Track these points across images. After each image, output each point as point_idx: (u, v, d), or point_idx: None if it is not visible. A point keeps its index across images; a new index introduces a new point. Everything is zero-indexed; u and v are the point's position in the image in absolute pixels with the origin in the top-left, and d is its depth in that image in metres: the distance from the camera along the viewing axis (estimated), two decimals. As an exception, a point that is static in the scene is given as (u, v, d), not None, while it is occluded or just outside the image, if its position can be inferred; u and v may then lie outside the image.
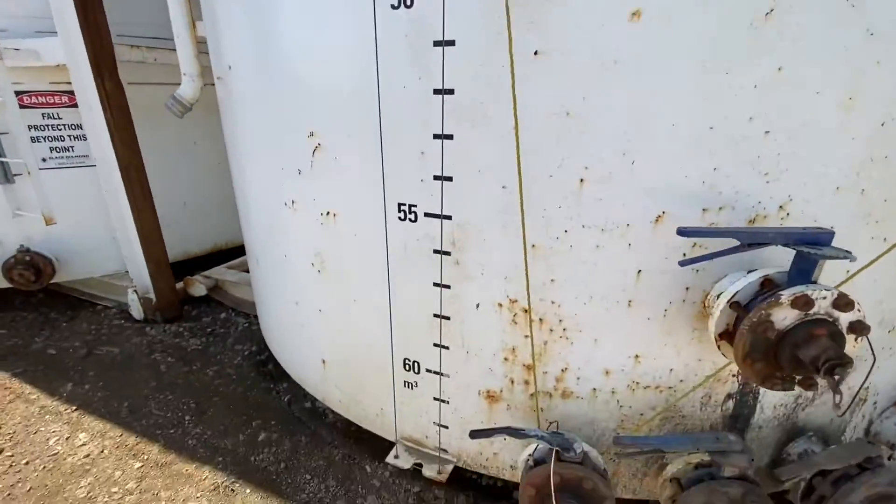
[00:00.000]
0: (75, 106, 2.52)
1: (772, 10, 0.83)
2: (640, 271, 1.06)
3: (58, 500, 1.54)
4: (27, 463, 1.70)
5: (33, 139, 2.49)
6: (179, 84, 1.99)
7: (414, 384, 1.42)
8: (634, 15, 0.86)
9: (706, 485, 1.10)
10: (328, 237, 1.39)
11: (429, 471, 1.43)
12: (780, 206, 0.98)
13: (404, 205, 1.19)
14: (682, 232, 0.90)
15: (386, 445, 1.73)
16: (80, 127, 2.58)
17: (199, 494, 1.57)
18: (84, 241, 2.73)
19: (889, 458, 1.34)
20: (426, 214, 1.17)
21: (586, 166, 0.99)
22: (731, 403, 1.22)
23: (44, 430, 1.86)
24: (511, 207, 1.06)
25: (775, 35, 0.85)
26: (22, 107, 2.40)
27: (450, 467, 1.43)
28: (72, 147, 2.61)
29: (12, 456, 1.73)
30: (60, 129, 2.57)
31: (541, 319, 1.17)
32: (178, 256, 3.03)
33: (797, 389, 0.95)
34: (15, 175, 2.49)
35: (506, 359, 1.25)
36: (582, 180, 1.00)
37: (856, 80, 0.88)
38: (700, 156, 0.94)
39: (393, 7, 1.01)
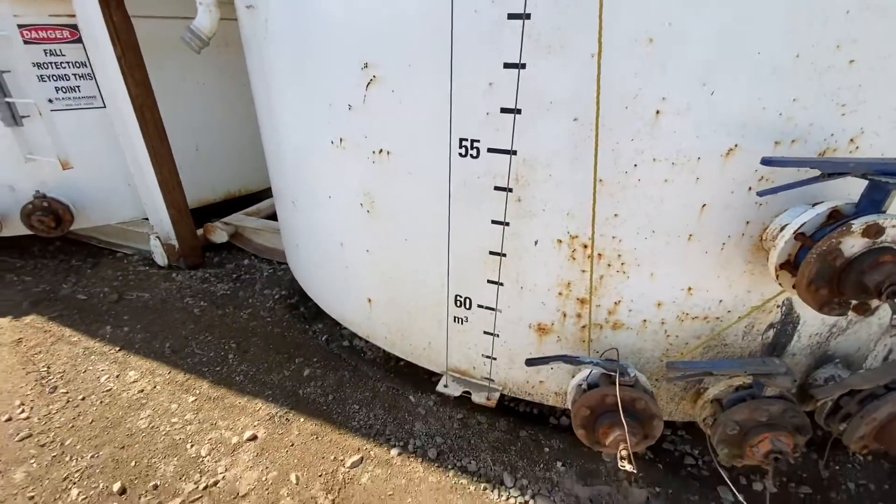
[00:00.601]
0: (78, 41, 2.38)
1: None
2: (704, 206, 1.09)
3: (121, 430, 1.63)
4: (83, 398, 1.77)
5: (38, 78, 2.37)
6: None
7: (464, 319, 1.47)
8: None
9: (749, 403, 1.19)
10: (379, 176, 1.38)
11: (478, 398, 1.52)
12: (851, 139, 1.00)
13: (466, 140, 1.18)
14: (766, 161, 0.91)
15: (426, 378, 1.82)
16: (84, 65, 2.44)
17: (256, 423, 1.66)
18: (99, 187, 2.67)
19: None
20: (489, 150, 1.16)
21: (664, 97, 0.98)
22: (771, 332, 1.29)
23: (92, 369, 1.92)
24: (582, 142, 1.06)
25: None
26: (24, 42, 2.27)
27: (497, 395, 1.52)
28: (77, 87, 2.48)
29: (67, 392, 1.80)
30: (65, 68, 2.43)
31: (599, 254, 1.20)
32: (192, 204, 2.98)
33: (851, 315, 1.01)
34: (23, 117, 2.39)
35: (560, 293, 1.30)
36: (658, 112, 0.99)
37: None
38: (782, 86, 0.93)
39: (466, -78, 0.95)
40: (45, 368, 1.90)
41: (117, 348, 2.03)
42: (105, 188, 2.69)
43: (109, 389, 1.81)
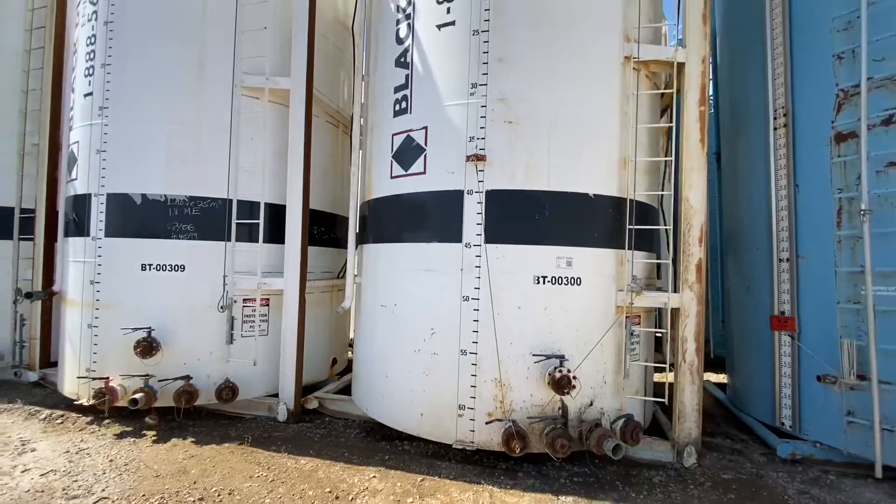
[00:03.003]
0: (266, 305, 5.05)
1: None
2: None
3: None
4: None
5: (245, 321, 4.92)
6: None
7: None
8: None
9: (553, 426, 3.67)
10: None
11: (458, 445, 3.80)
12: (563, 348, 3.86)
13: (463, 349, 3.91)
14: None
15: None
16: (265, 317, 5.05)
17: (369, 477, 3.73)
18: (253, 376, 4.92)
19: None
20: (470, 352, 3.89)
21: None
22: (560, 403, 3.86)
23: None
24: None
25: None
26: (244, 305, 4.91)
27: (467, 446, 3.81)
28: (261, 327, 5.03)
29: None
30: (254, 318, 5.02)
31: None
32: (290, 387, 5.23)
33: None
34: (234, 340, 4.82)
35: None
36: (514, 342, 3.83)
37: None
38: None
39: None
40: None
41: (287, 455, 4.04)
42: (255, 377, 4.95)
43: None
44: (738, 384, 5.12)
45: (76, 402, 4.67)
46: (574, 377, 3.59)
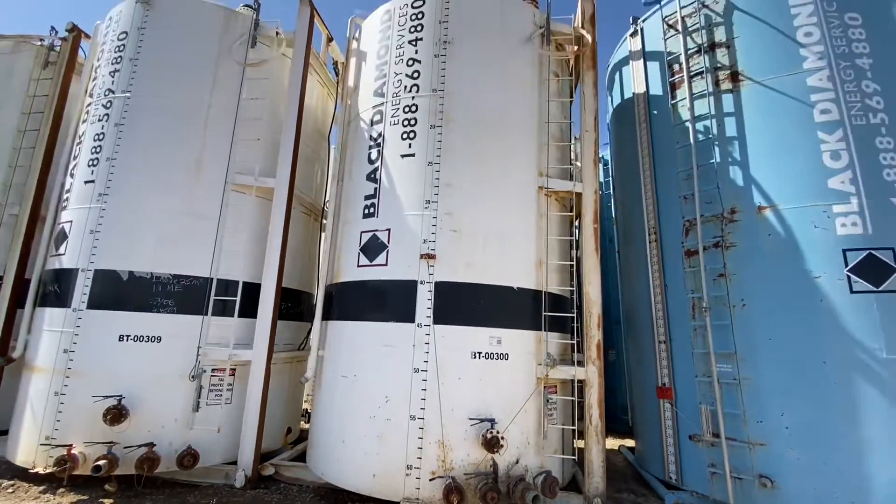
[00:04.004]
0: (233, 375, 5.54)
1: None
2: (468, 429, 4.62)
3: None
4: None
5: (211, 389, 5.36)
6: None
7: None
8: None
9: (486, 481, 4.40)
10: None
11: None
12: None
13: (412, 414, 4.65)
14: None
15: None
16: (231, 386, 5.51)
17: (327, 531, 4.19)
18: (215, 443, 5.26)
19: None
20: (418, 417, 4.64)
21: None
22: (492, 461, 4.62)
23: (240, 524, 4.26)
24: (439, 414, 4.62)
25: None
26: (212, 375, 5.39)
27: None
28: (226, 396, 5.46)
29: (235, 531, 4.13)
30: (222, 387, 5.47)
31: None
32: (246, 455, 5.56)
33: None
34: (200, 407, 5.21)
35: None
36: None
37: (502, 388, 4.79)
38: (476, 402, 4.68)
39: None
40: (218, 524, 4.21)
41: (246, 516, 4.40)
42: (216, 444, 5.29)
43: (255, 528, 4.20)
44: (641, 446, 6.13)
45: (31, 471, 4.76)
46: (502, 437, 4.43)
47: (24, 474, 4.89)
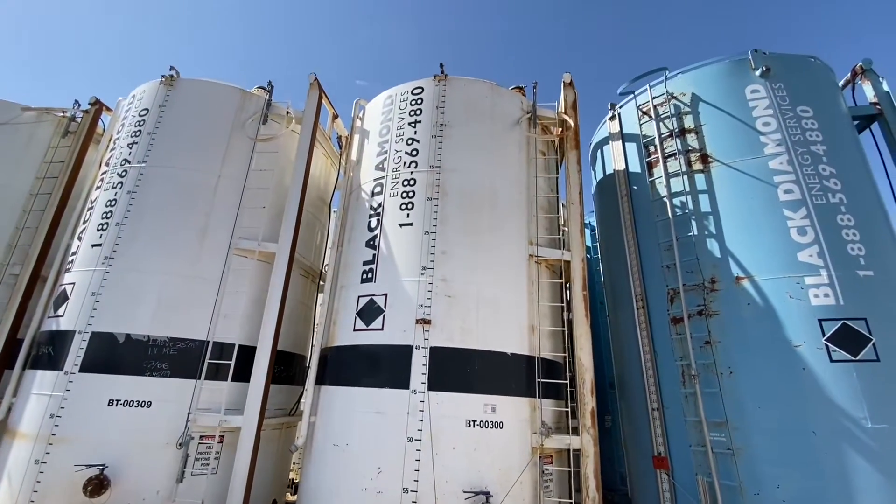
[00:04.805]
0: (221, 442, 5.40)
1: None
2: (462, 503, 4.50)
3: None
4: None
5: (198, 458, 5.19)
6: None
7: (400, 554, 4.33)
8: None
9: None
10: (376, 499, 4.56)
11: (405, 590, 4.15)
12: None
13: (404, 486, 4.54)
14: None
15: None
16: (219, 454, 5.35)
17: None
18: (196, 519, 5.01)
19: None
20: (411, 489, 4.52)
21: (449, 475, 4.55)
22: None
23: None
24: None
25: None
26: (200, 442, 5.25)
27: (411, 589, 4.18)
28: (212, 465, 5.29)
29: None
30: (210, 457, 5.31)
31: None
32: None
33: None
34: (186, 476, 5.02)
35: None
36: (448, 479, 4.55)
37: (496, 457, 4.73)
38: (471, 473, 4.59)
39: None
40: None
41: None
42: (197, 519, 5.03)
43: None
44: (640, 520, 5.91)
45: (-2, 550, 4.49)
46: (497, 511, 4.32)
47: (-11, 553, 4.58)
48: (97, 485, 4.59)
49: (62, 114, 8.01)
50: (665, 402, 5.44)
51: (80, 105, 8.04)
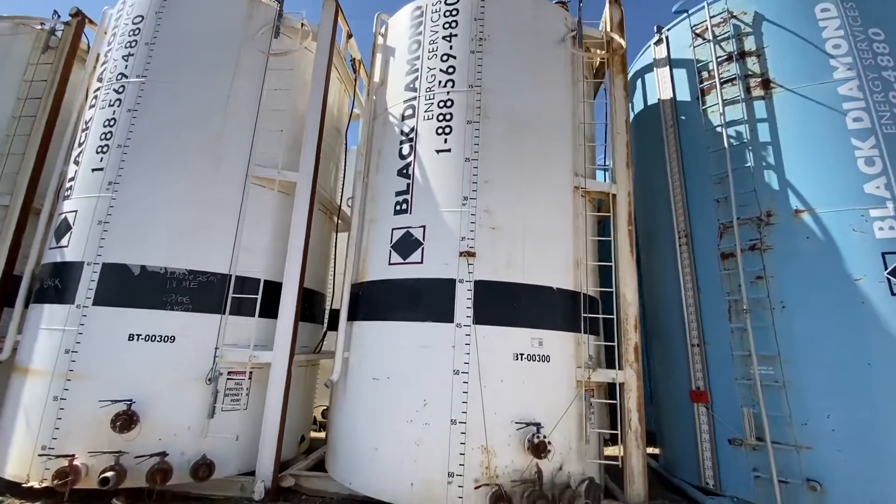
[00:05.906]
0: (250, 378, 5.16)
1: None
2: (511, 435, 4.40)
3: None
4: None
5: (227, 394, 4.96)
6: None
7: (449, 484, 4.26)
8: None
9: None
10: (422, 432, 4.43)
11: (456, 518, 4.11)
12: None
13: (452, 419, 4.40)
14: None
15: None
16: (248, 391, 5.12)
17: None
18: (229, 453, 4.85)
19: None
20: (458, 422, 4.39)
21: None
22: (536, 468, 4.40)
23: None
24: (481, 418, 4.38)
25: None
26: (228, 378, 5.00)
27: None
28: (243, 400, 5.07)
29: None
30: (240, 392, 5.08)
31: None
32: (261, 466, 5.15)
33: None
34: (216, 412, 4.80)
35: (480, 467, 4.29)
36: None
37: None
38: (519, 406, 4.47)
39: None
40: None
41: (273, 532, 4.03)
42: (231, 453, 4.87)
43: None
44: (669, 453, 6.01)
45: (25, 485, 4.27)
46: (549, 442, 4.23)
47: (14, 489, 4.37)
48: (126, 420, 4.33)
49: (40, 26, 7.05)
50: (707, 339, 5.34)
51: (59, 16, 7.08)
